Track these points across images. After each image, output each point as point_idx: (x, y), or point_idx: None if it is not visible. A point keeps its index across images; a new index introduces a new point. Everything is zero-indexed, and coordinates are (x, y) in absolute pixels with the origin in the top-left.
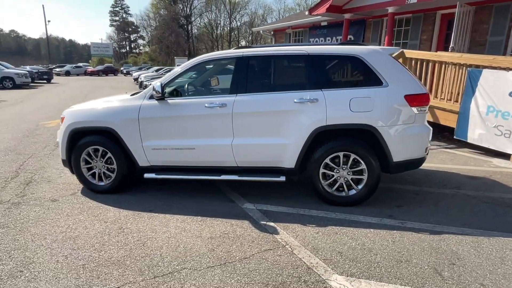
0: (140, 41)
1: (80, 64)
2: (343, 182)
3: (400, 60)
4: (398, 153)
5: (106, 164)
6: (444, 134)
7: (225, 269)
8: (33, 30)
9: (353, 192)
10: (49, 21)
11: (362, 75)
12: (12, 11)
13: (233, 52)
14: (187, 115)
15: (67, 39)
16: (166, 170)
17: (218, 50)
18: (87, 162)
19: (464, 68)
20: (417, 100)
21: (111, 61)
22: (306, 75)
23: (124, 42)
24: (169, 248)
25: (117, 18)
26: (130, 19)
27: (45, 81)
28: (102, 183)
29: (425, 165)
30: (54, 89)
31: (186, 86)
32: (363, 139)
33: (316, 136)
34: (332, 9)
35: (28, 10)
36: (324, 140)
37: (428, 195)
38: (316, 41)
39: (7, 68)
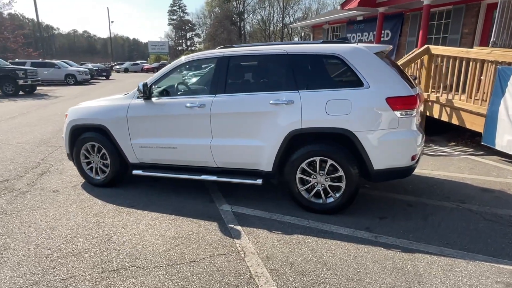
0: (196, 39)
1: (138, 61)
2: (321, 188)
3: (426, 57)
4: (379, 160)
5: (102, 160)
6: (475, 140)
7: (169, 270)
8: (102, 30)
9: (330, 199)
10: (112, 21)
11: (342, 75)
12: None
13: (214, 52)
14: (170, 114)
15: (131, 38)
16: (153, 168)
17: None
18: (86, 157)
19: (494, 65)
20: (400, 103)
21: (167, 59)
22: (284, 76)
23: (180, 40)
24: (130, 245)
25: (174, 17)
26: (187, 17)
27: (104, 78)
28: (98, 177)
29: (435, 173)
30: (109, 85)
31: (176, 85)
32: (342, 144)
33: (292, 139)
34: (364, 3)
35: (98, 11)
36: (301, 143)
37: (422, 208)
38: (353, 37)
39: (71, 66)
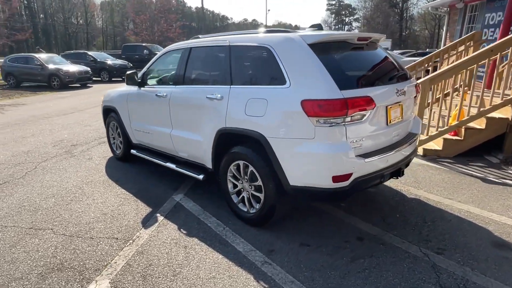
0: (355, 24)
1: None
2: (245, 196)
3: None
4: (295, 175)
5: (118, 137)
6: None
7: (66, 240)
8: (268, 19)
9: (253, 210)
10: (269, 10)
11: (269, 71)
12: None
13: (182, 43)
14: (147, 102)
15: (293, 25)
16: (143, 149)
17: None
18: (111, 133)
19: None
20: (317, 108)
21: None
22: (224, 69)
23: (338, 26)
24: (75, 212)
25: (333, 2)
26: (346, 1)
27: None
28: (117, 152)
29: (455, 206)
30: None
31: (160, 75)
32: (263, 151)
33: (220, 138)
34: None
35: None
36: (231, 144)
37: (370, 248)
38: (493, 17)
39: None
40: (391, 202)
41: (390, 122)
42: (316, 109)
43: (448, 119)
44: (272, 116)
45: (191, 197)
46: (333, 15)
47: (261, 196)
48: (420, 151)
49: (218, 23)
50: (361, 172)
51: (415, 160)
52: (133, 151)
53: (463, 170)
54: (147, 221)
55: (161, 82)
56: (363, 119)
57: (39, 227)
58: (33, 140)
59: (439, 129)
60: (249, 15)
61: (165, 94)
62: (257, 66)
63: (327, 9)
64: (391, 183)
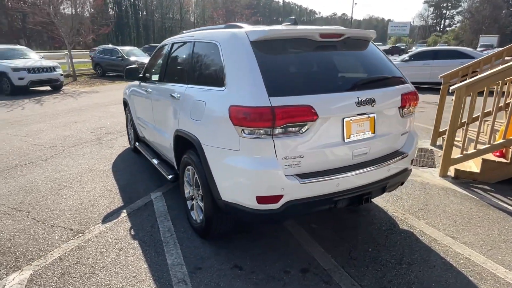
0: (457, 18)
1: None
2: (195, 203)
3: None
4: (225, 189)
5: (131, 129)
6: None
7: (29, 223)
8: (359, 13)
9: (199, 219)
10: (355, 3)
11: (215, 69)
12: None
13: (168, 39)
14: (141, 97)
15: (386, 19)
16: (143, 143)
17: None
18: (128, 126)
19: None
20: (243, 116)
21: (406, 40)
22: (187, 66)
23: (437, 20)
24: (57, 198)
25: None
26: None
27: None
28: (131, 143)
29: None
30: None
31: (155, 70)
32: None
33: (176, 139)
34: None
35: None
36: (186, 147)
37: (310, 283)
38: None
39: None
40: (374, 231)
41: (348, 137)
42: (240, 117)
43: (491, 135)
44: (207, 121)
45: (167, 197)
46: (431, 8)
47: (203, 206)
48: (451, 171)
49: (305, 18)
50: (296, 195)
51: (439, 181)
52: (137, 144)
53: (498, 202)
54: (110, 216)
55: (152, 77)
56: (302, 133)
57: (21, 209)
58: (79, 125)
59: (479, 147)
60: (339, 9)
61: (150, 90)
62: (208, 64)
63: (425, 1)
64: (389, 206)
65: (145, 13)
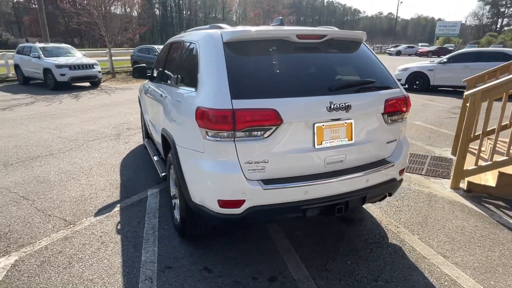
0: None
1: (417, 44)
2: (176, 202)
3: None
4: (194, 191)
5: (143, 126)
6: None
7: (30, 211)
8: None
9: (178, 219)
10: (401, 2)
11: (193, 69)
12: None
13: (174, 37)
14: (144, 95)
15: (435, 18)
16: (151, 140)
17: None
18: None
19: None
20: (206, 118)
21: (456, 41)
22: (176, 66)
23: (493, 19)
24: (62, 189)
25: None
26: None
27: None
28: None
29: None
30: None
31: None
32: None
33: (162, 138)
34: None
35: None
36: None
37: None
38: None
39: None
40: (359, 243)
41: (319, 144)
42: (204, 119)
43: (509, 146)
44: (180, 121)
45: (162, 194)
46: (487, 6)
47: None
48: (463, 184)
49: (349, 17)
50: (258, 201)
51: (448, 194)
52: (145, 140)
53: (509, 221)
54: (103, 210)
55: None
56: (266, 137)
57: (28, 197)
58: (105, 120)
59: (495, 159)
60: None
61: (150, 88)
62: (189, 65)
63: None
64: (384, 217)
65: (189, 12)
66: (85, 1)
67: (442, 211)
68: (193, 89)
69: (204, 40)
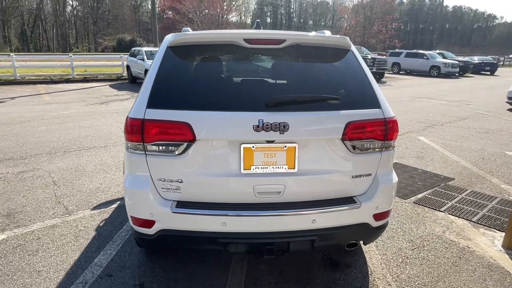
0: None
1: None
2: None
3: None
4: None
5: None
6: None
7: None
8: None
9: None
10: None
11: None
12: None
13: None
14: None
15: None
16: None
17: None
18: None
19: None
20: (125, 128)
21: None
22: None
23: None
24: (69, 183)
25: None
26: None
27: (487, 73)
28: None
29: None
30: (469, 82)
31: None
32: None
33: None
34: None
35: None
36: None
37: None
38: None
39: (444, 57)
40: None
41: (248, 168)
42: (125, 128)
43: None
44: None
45: None
46: None
47: None
48: (500, 240)
49: (481, 24)
50: (168, 225)
51: (494, 253)
52: None
53: None
54: (102, 205)
55: None
56: (179, 154)
57: (57, 183)
58: None
59: None
60: None
61: None
62: None
63: None
64: (381, 267)
65: (301, 20)
66: (202, 13)
67: (468, 276)
68: None
69: (163, 43)
